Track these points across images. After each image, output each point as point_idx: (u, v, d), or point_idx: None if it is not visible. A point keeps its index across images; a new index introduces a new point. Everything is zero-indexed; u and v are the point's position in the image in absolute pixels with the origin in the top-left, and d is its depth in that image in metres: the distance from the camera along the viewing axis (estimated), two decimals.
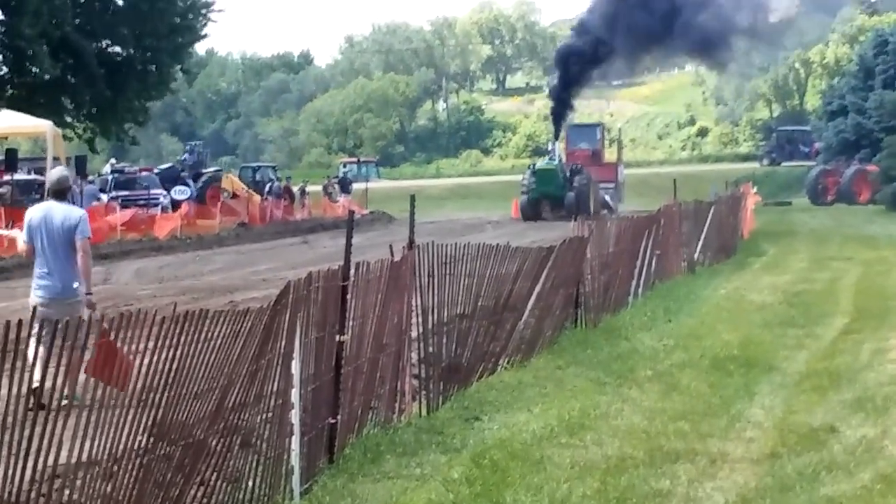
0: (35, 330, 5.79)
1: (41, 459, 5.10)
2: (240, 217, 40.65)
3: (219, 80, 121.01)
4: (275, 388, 7.07)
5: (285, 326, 7.06)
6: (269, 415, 7.02)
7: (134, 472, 5.64)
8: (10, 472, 5.00)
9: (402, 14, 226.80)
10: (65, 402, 5.37)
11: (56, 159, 30.40)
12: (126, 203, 36.55)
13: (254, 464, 6.85)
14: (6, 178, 31.86)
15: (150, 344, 5.76)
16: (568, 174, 43.44)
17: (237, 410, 6.56)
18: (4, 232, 24.70)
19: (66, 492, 5.33)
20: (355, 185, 58.20)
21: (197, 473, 6.25)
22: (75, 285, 9.78)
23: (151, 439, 5.73)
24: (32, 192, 30.05)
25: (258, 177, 53.15)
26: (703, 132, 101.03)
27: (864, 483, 7.47)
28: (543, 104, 67.84)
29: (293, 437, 7.23)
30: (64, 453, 5.27)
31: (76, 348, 5.41)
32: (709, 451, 8.36)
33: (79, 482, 5.38)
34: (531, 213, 42.95)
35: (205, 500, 6.36)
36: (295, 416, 7.24)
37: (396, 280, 9.12)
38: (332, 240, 33.06)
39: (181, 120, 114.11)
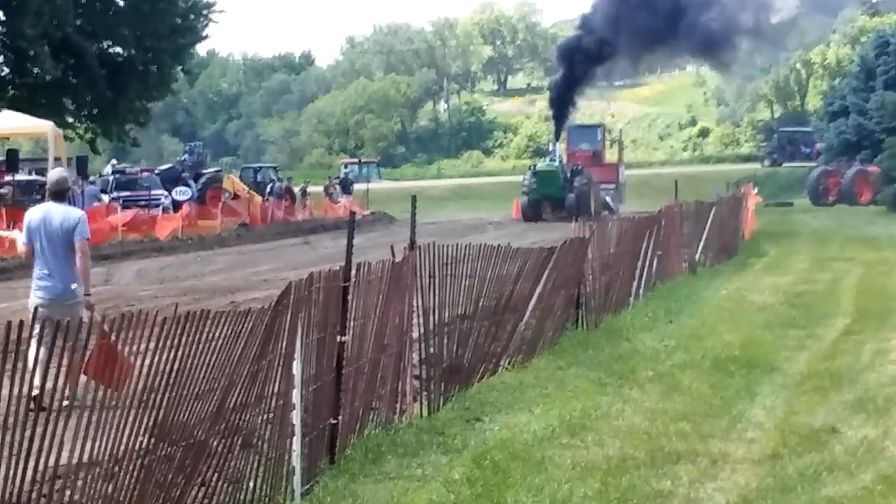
0: (36, 331, 5.79)
1: (42, 460, 5.10)
2: (241, 218, 40.60)
3: (220, 80, 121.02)
4: (276, 389, 7.07)
5: (286, 327, 7.06)
6: (271, 415, 7.02)
7: (135, 473, 5.64)
8: (11, 472, 5.00)
9: (404, 15, 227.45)
10: (66, 402, 5.37)
11: (57, 160, 30.42)
12: (127, 204, 36.54)
13: (255, 464, 6.85)
14: (7, 178, 31.78)
15: (152, 345, 5.75)
16: (569, 175, 43.39)
17: (238, 411, 6.55)
18: (4, 233, 24.73)
19: (67, 492, 5.33)
20: (356, 186, 58.23)
21: (198, 474, 6.25)
22: (74, 286, 9.78)
23: (152, 440, 5.73)
24: (33, 192, 29.98)
25: (259, 177, 53.21)
26: (704, 133, 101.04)
27: (865, 484, 7.47)
28: (545, 105, 67.71)
29: (294, 438, 7.23)
30: (65, 454, 5.26)
31: (77, 349, 5.41)
32: (710, 452, 8.36)
33: (80, 483, 5.37)
34: (532, 213, 42.90)
35: (206, 501, 6.36)
36: (296, 417, 7.24)
37: (397, 281, 9.12)
38: (333, 240, 33.09)
39: (182, 121, 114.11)
